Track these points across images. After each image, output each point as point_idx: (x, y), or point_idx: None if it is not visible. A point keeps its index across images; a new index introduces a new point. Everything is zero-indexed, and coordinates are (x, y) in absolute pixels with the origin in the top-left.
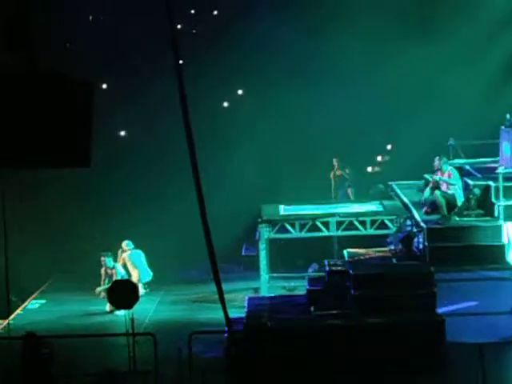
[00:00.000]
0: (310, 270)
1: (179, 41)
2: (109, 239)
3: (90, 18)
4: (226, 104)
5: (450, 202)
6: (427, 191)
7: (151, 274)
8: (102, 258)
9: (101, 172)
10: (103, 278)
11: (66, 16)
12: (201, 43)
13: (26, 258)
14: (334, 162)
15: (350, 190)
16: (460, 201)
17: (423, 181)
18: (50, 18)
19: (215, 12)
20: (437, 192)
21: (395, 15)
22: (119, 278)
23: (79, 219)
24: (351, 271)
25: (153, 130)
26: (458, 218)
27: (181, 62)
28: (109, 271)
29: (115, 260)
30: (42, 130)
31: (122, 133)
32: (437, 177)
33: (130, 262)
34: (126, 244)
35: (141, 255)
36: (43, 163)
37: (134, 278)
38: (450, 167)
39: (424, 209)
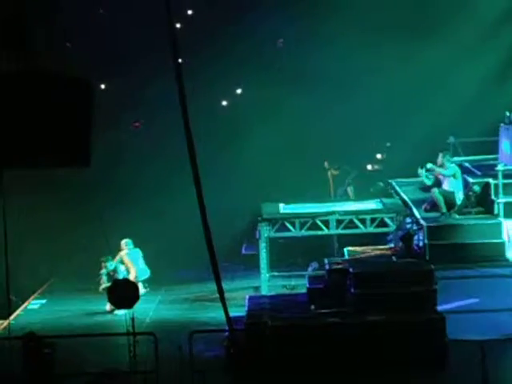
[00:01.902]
0: (310, 268)
1: (178, 40)
2: (109, 237)
3: (89, 16)
4: (224, 103)
5: (449, 200)
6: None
7: (148, 271)
8: (103, 265)
9: (101, 171)
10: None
11: (66, 15)
12: (200, 41)
13: (25, 256)
14: (325, 164)
15: (349, 189)
16: (459, 198)
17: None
18: (50, 17)
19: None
20: (435, 189)
21: (394, 15)
22: (121, 277)
23: (79, 218)
24: (351, 269)
25: (152, 129)
26: (457, 216)
27: (180, 60)
28: (111, 273)
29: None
30: (42, 130)
31: (121, 132)
32: (429, 164)
33: (127, 260)
34: (125, 243)
35: (138, 254)
36: (43, 163)
37: (132, 276)
38: (453, 164)
39: (423, 206)
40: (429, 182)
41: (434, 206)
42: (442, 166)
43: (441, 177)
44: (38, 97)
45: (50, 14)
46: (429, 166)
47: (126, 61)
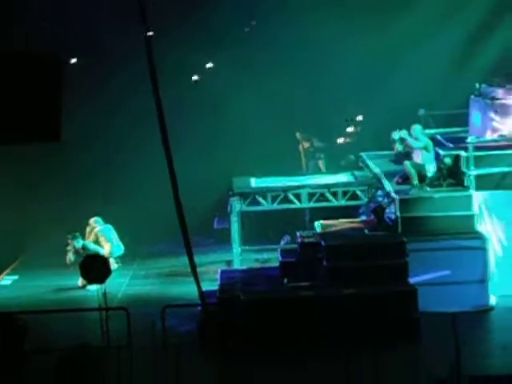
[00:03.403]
0: (283, 242)
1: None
2: (80, 212)
3: None
4: (195, 77)
5: (420, 172)
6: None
7: (122, 247)
8: (69, 241)
9: (73, 146)
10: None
11: None
12: (172, 15)
13: None
14: (297, 135)
15: (320, 162)
16: (430, 171)
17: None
18: None
19: None
20: (406, 162)
21: None
22: (91, 249)
23: (49, 193)
24: (323, 243)
25: (125, 105)
26: (429, 188)
27: (150, 33)
28: (80, 251)
29: (83, 239)
30: (12, 106)
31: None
32: (402, 132)
33: (102, 237)
34: (95, 221)
35: (111, 230)
36: (14, 139)
37: (106, 252)
38: (425, 137)
39: (395, 179)
40: (400, 148)
41: (406, 179)
42: (414, 137)
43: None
44: (7, 74)
45: None
46: (402, 134)
47: (97, 36)
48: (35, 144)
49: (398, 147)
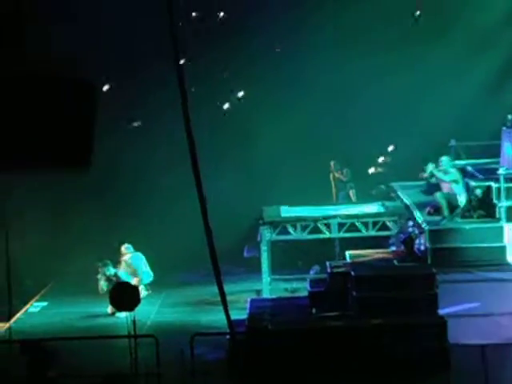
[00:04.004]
0: (312, 271)
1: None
2: (109, 240)
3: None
4: (226, 106)
5: (451, 203)
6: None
7: (152, 275)
8: (99, 269)
9: (101, 173)
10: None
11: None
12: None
13: (27, 259)
14: (331, 164)
15: (351, 192)
16: (462, 201)
17: (425, 182)
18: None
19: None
20: (437, 193)
21: (396, 19)
22: (123, 277)
23: (79, 220)
24: (353, 273)
25: (152, 131)
26: (459, 219)
27: (182, 61)
28: (113, 278)
29: (115, 266)
30: (44, 133)
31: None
32: (431, 168)
33: (131, 265)
34: (126, 248)
35: (141, 257)
36: (45, 166)
37: (135, 281)
38: (454, 169)
39: (427, 209)
40: (432, 180)
41: (437, 209)
42: (442, 170)
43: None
44: (40, 100)
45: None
46: (429, 169)
47: (130, 63)
48: (66, 170)
49: (431, 180)
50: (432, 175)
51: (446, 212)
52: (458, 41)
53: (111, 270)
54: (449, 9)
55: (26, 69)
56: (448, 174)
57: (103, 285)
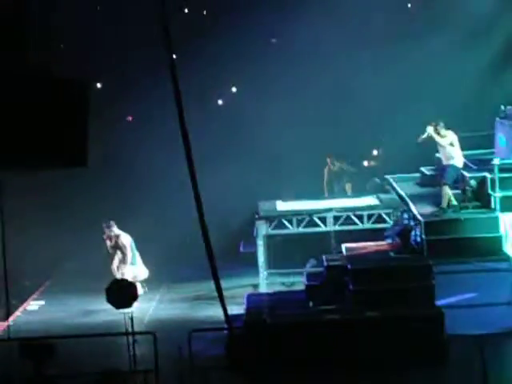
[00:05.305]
0: (308, 265)
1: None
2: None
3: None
4: (220, 101)
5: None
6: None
7: (147, 271)
8: (105, 231)
9: (96, 170)
10: (110, 252)
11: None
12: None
13: (24, 258)
14: (328, 161)
15: (348, 185)
16: (458, 165)
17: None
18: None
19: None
20: (446, 187)
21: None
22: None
23: (75, 219)
24: (349, 266)
25: (147, 127)
26: (454, 211)
27: (174, 56)
28: (113, 240)
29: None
30: (38, 132)
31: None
32: (429, 130)
33: (129, 246)
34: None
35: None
36: (40, 165)
37: (128, 260)
38: (449, 131)
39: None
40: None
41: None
42: (438, 134)
43: (439, 146)
44: (33, 99)
45: (45, 14)
46: (428, 132)
47: (120, 59)
48: (61, 169)
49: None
50: (430, 137)
51: (444, 203)
52: (451, 30)
53: (117, 231)
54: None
55: (24, 69)
56: (445, 137)
57: (110, 245)
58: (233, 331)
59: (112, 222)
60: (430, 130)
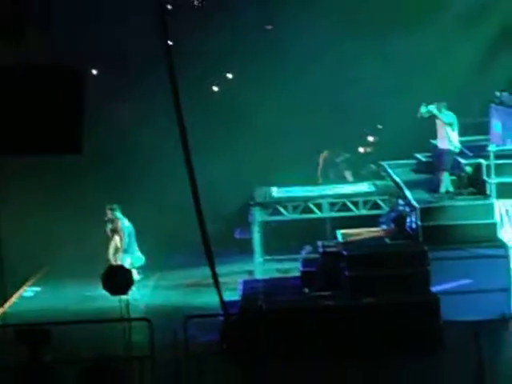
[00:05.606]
0: (304, 251)
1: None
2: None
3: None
4: (215, 88)
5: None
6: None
7: (143, 258)
8: (108, 213)
9: (93, 157)
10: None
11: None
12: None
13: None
14: (324, 153)
15: (348, 173)
16: (456, 147)
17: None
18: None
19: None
20: (446, 173)
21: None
22: (125, 231)
23: (72, 205)
24: (344, 252)
25: (145, 116)
26: (450, 197)
27: (170, 43)
28: (114, 224)
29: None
30: (33, 119)
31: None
32: (431, 106)
33: (123, 230)
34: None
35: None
36: (35, 151)
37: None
38: (450, 112)
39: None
40: (426, 115)
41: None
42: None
43: (437, 126)
44: (27, 86)
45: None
46: (429, 107)
47: (118, 47)
48: (56, 156)
49: (424, 116)
50: (430, 113)
51: (442, 188)
52: (446, 15)
53: (118, 215)
54: None
55: (21, 59)
56: (446, 115)
57: (110, 228)
58: (228, 317)
59: (116, 206)
60: (432, 107)
